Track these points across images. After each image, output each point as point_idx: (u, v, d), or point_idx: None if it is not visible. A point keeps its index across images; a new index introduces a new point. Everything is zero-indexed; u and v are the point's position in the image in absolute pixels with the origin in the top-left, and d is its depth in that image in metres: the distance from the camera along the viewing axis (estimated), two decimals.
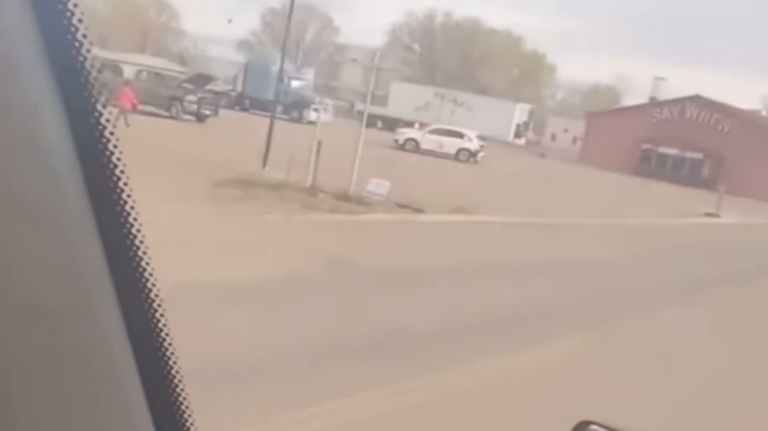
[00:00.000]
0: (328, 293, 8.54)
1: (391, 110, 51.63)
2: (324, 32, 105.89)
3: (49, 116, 0.70)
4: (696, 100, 62.09)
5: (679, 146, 60.12)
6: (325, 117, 41.65)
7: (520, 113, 50.90)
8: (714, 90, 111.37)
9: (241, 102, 44.95)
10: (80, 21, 0.71)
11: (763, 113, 77.15)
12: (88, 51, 0.73)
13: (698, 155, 59.66)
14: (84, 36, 0.72)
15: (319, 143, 17.32)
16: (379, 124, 53.68)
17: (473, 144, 39.41)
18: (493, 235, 16.97)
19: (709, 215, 32.78)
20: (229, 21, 79.97)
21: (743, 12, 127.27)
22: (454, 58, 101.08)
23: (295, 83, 42.53)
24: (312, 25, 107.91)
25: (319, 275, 9.28)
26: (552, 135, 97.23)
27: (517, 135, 51.03)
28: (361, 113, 56.47)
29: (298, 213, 14.40)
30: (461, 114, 50.86)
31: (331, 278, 9.34)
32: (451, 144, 39.06)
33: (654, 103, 63.82)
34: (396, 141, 39.45)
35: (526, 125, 51.78)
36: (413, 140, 39.40)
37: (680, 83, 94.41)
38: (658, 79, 72.28)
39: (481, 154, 39.41)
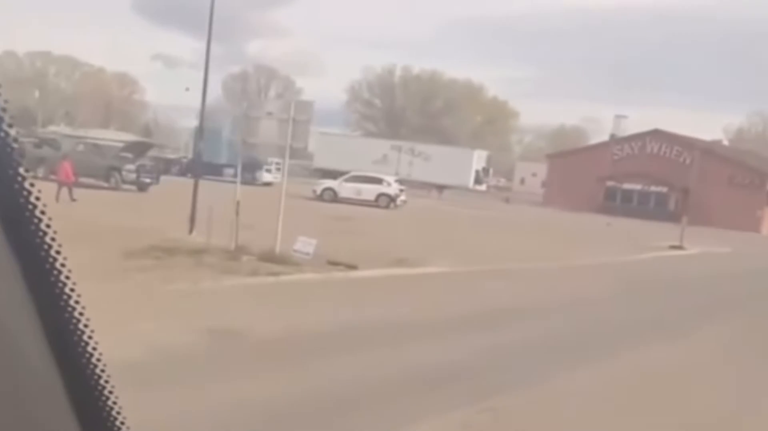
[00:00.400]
0: (190, 374, 7.41)
1: (347, 165, 50.95)
2: (286, 93, 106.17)
3: None
4: (656, 134, 62.10)
5: (643, 181, 59.81)
6: (269, 177, 41.12)
7: (477, 159, 50.49)
8: (675, 124, 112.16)
9: (193, 168, 43.98)
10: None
11: (725, 142, 77.46)
12: (10, 126, 0.78)
13: (663, 189, 59.33)
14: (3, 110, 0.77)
15: (238, 203, 16.34)
16: None
17: (392, 189, 39.18)
18: (433, 286, 15.91)
19: (673, 247, 32.00)
20: (187, 89, 79.20)
21: (697, 49, 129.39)
22: (415, 110, 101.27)
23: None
24: (274, 87, 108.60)
25: (188, 353, 8.14)
26: (521, 179, 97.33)
27: (478, 181, 50.54)
28: (319, 170, 56.38)
29: (211, 279, 13.28)
30: (419, 164, 50.41)
31: (201, 356, 8.20)
32: (369, 191, 38.92)
33: (615, 140, 63.72)
34: (314, 191, 39.52)
35: (485, 170, 51.32)
36: (331, 189, 39.53)
37: (642, 120, 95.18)
38: (619, 117, 72.19)
39: (401, 198, 39.03)
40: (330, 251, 16.62)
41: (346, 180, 39.78)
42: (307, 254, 15.81)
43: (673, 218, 57.99)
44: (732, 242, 40.11)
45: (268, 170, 43.64)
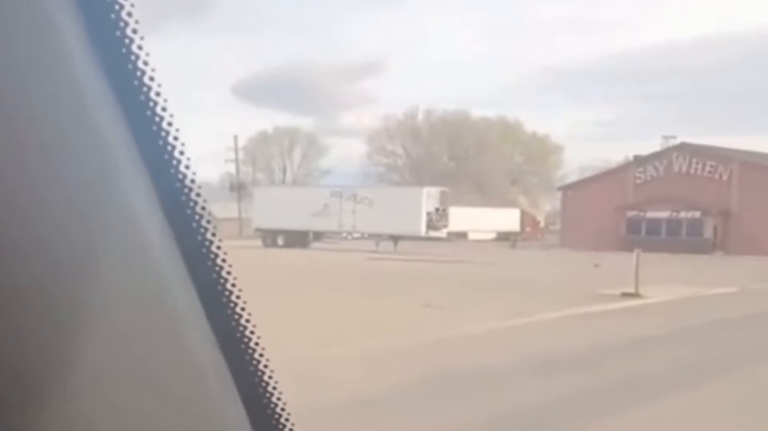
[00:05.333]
0: None
1: (285, 222, 42.20)
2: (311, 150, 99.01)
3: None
4: (683, 148, 51.04)
5: (671, 206, 48.63)
6: None
7: (428, 198, 40.13)
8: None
9: None
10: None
11: None
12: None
13: (696, 214, 47.94)
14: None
15: None
16: (280, 241, 44.14)
17: None
18: None
19: (627, 296, 21.80)
20: None
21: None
22: (442, 154, 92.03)
23: None
24: (299, 145, 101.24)
25: None
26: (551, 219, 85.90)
27: (431, 226, 40.07)
28: (259, 231, 47.99)
29: None
30: (363, 212, 40.91)
31: None
32: None
33: (637, 160, 52.81)
34: None
35: (441, 212, 40.88)
36: None
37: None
38: (667, 137, 59.36)
39: None
40: None
41: None
42: None
43: (711, 247, 46.65)
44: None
45: None
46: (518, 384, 10.75)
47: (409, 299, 20.15)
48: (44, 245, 0.63)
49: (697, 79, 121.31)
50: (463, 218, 66.54)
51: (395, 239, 40.63)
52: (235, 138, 74.97)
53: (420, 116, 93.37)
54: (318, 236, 44.31)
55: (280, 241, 44.03)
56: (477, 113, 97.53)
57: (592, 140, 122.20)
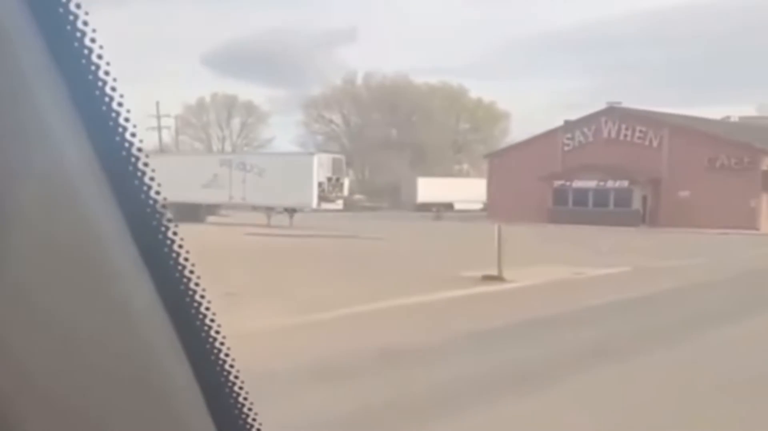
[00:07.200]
0: None
1: (174, 194, 38.33)
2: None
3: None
4: (612, 111, 47.81)
5: (598, 175, 45.45)
6: None
7: (320, 166, 35.96)
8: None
9: None
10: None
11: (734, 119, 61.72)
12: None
13: (624, 183, 44.82)
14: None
15: None
16: (169, 215, 40.04)
17: None
18: None
19: (489, 279, 18.47)
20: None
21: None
22: (383, 123, 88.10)
23: None
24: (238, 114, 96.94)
25: None
26: None
27: (324, 197, 36.03)
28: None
29: None
30: (253, 182, 36.98)
31: None
32: None
33: (566, 125, 49.46)
34: None
35: (337, 181, 36.85)
36: None
37: None
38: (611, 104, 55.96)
39: None
40: None
41: None
42: None
43: (640, 219, 43.66)
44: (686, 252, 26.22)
45: None
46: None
47: (222, 285, 16.61)
48: None
49: (672, 47, 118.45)
50: (447, 189, 63.43)
51: (290, 211, 36.84)
52: (157, 104, 70.56)
53: (359, 82, 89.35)
54: (213, 209, 40.40)
55: (169, 215, 40.00)
56: (453, 80, 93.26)
57: (555, 109, 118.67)
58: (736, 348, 11.06)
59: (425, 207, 59.54)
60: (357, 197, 76.89)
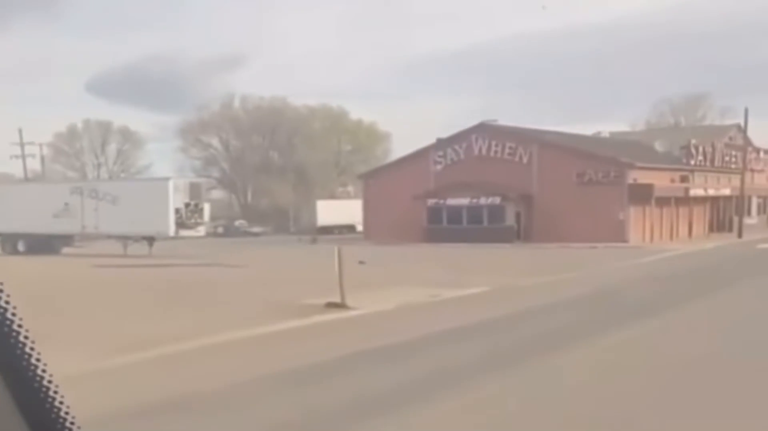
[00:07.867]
0: None
1: (24, 224, 35.77)
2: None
3: None
4: (482, 128, 47.76)
5: (471, 192, 45.19)
6: None
7: (176, 191, 34.31)
8: None
9: None
10: None
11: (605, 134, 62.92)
12: None
13: (496, 200, 44.69)
14: None
15: None
16: (21, 247, 37.60)
17: None
18: None
19: (332, 306, 17.24)
20: None
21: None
22: (263, 147, 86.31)
23: None
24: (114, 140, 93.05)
25: None
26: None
27: (183, 224, 34.34)
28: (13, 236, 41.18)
29: None
30: (106, 210, 34.86)
31: None
32: None
33: (438, 142, 49.07)
34: None
35: (195, 207, 35.16)
36: None
37: None
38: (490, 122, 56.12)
39: None
40: None
41: None
42: None
43: (514, 235, 43.58)
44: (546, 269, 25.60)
45: None
46: None
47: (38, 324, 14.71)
48: None
49: (557, 67, 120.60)
50: (347, 211, 61.23)
51: (149, 239, 34.80)
52: (20, 131, 66.52)
53: (236, 104, 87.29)
54: (68, 240, 37.92)
55: (21, 247, 37.45)
56: (344, 104, 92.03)
57: (438, 129, 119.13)
58: (562, 380, 10.13)
59: (327, 230, 58.11)
60: (239, 222, 74.87)
